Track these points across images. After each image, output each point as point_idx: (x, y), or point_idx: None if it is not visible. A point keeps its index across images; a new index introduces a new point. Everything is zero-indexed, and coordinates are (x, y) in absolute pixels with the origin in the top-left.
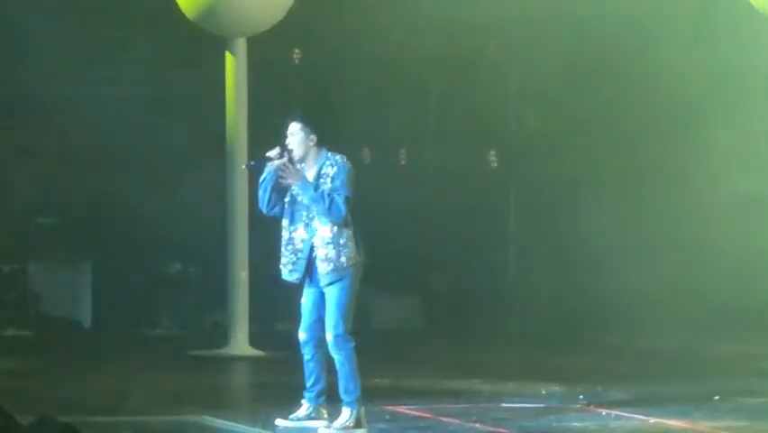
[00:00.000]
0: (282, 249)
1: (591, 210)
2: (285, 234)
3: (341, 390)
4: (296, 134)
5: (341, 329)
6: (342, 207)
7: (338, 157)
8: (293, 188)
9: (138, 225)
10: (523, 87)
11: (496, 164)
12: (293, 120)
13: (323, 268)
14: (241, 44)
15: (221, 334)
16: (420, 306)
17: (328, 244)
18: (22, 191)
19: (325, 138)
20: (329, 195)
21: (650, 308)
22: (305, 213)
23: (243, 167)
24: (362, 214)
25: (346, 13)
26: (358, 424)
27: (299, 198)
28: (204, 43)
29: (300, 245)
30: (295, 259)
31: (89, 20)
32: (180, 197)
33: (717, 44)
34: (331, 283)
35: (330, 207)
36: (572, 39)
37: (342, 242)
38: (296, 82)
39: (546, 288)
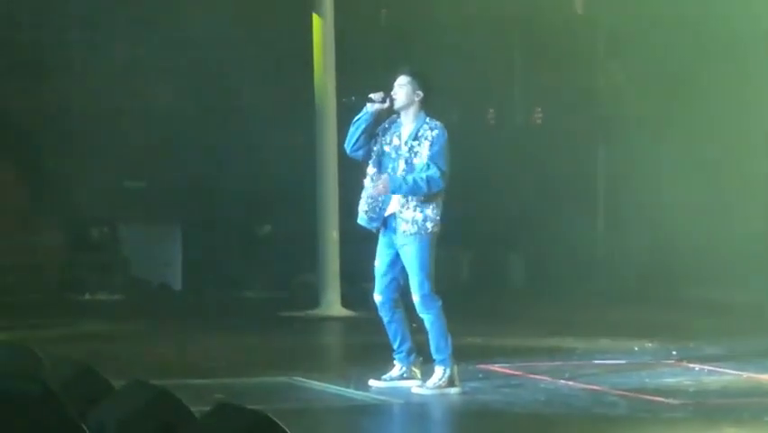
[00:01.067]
0: (365, 195)
1: (680, 166)
2: (369, 182)
3: (432, 349)
4: (404, 86)
5: (426, 289)
6: (441, 182)
7: (437, 122)
8: (384, 146)
9: (227, 186)
10: (610, 41)
11: (584, 121)
12: (404, 72)
13: (405, 228)
14: (328, 5)
15: (312, 295)
16: (510, 264)
17: (417, 206)
18: (112, 155)
19: (430, 99)
20: (423, 179)
21: (740, 264)
22: (391, 165)
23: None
24: (455, 171)
25: None
26: (451, 383)
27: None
28: (292, 4)
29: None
30: (376, 207)
31: None
32: (270, 158)
33: None
34: (408, 243)
35: (429, 188)
36: None
37: (431, 206)
38: (382, 42)
39: (636, 244)
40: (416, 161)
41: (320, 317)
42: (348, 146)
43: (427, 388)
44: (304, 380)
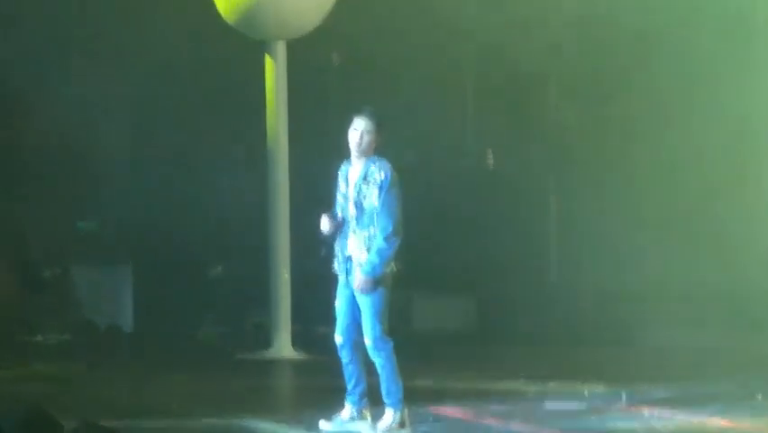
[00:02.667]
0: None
1: (632, 207)
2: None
3: (383, 392)
4: (371, 134)
5: (378, 332)
6: (395, 235)
7: (384, 162)
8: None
9: (179, 227)
10: (560, 84)
11: (536, 162)
12: (372, 120)
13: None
14: (280, 48)
15: (263, 336)
16: (463, 307)
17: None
18: (64, 195)
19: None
20: (382, 247)
21: (690, 307)
22: (342, 212)
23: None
24: (405, 215)
25: (385, 16)
26: (402, 425)
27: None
28: (244, 46)
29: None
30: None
31: (130, 22)
32: (221, 198)
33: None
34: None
35: (391, 246)
36: (606, 35)
37: None
38: (335, 85)
39: (588, 287)
40: (365, 203)
41: (272, 359)
42: None
43: (378, 430)
44: (255, 421)
